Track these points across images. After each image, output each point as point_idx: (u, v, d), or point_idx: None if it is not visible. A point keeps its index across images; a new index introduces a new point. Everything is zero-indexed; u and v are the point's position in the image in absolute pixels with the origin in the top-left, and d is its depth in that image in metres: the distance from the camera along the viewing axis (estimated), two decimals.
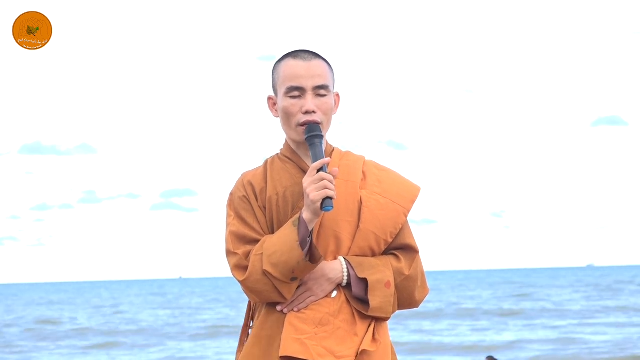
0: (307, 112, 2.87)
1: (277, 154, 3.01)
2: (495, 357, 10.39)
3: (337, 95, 2.99)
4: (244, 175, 2.98)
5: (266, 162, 3.00)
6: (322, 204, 2.74)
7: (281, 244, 2.78)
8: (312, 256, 2.81)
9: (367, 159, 3.02)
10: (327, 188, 2.74)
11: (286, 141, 2.99)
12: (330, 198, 2.75)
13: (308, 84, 2.88)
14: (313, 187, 2.74)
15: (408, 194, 2.96)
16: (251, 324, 2.98)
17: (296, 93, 2.88)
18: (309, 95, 2.88)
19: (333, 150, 3.00)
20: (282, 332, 2.82)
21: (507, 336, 22.87)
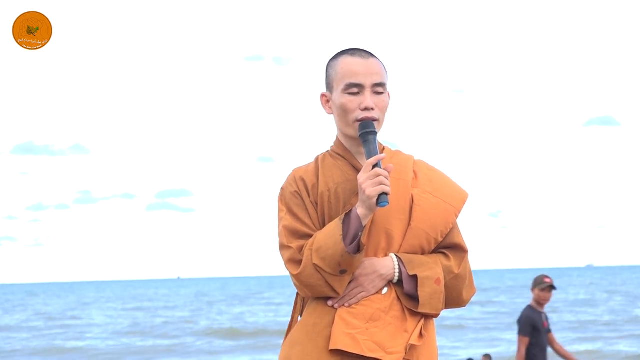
0: (365, 109, 2.89)
1: (328, 151, 3.03)
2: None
3: (389, 94, 3.01)
4: (295, 171, 2.99)
5: (317, 158, 3.01)
6: (377, 199, 2.76)
7: (327, 239, 2.80)
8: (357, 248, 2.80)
9: (415, 158, 3.04)
10: (383, 184, 2.76)
11: (337, 138, 3.01)
12: (386, 194, 2.76)
13: (367, 81, 2.90)
14: (369, 183, 2.76)
15: (459, 195, 3.00)
16: (299, 319, 2.98)
17: (355, 90, 2.90)
18: (368, 92, 2.90)
19: (384, 148, 3.02)
20: (329, 322, 2.84)
21: None
